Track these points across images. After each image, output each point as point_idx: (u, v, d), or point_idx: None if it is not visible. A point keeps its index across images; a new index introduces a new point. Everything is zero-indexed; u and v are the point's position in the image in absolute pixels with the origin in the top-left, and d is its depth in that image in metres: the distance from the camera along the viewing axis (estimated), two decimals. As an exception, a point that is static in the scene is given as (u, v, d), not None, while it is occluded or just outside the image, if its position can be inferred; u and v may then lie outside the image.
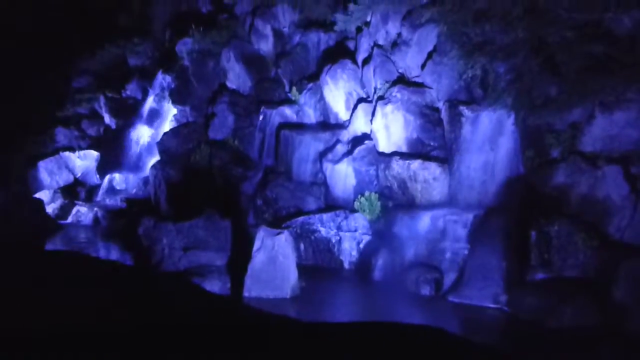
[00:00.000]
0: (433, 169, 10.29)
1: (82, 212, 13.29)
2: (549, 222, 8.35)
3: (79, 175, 14.60)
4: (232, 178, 12.44)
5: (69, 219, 13.32)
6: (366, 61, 12.26)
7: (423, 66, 11.30)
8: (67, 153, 14.55)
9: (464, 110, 10.24)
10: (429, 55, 11.15)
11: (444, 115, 10.74)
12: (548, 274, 8.23)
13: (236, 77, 14.06)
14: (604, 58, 8.53)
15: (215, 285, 8.74)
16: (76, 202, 13.77)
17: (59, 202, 13.73)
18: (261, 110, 13.08)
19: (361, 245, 10.28)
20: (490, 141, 9.88)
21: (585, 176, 8.68)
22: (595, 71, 8.58)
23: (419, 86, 11.29)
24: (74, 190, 14.29)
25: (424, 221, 9.84)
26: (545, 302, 7.75)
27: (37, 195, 13.54)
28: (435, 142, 10.70)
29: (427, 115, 10.88)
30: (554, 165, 9.09)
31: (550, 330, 7.41)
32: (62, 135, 15.07)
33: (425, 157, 10.53)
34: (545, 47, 9.22)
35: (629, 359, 6.66)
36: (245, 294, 8.52)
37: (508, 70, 9.57)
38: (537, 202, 8.96)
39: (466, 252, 9.18)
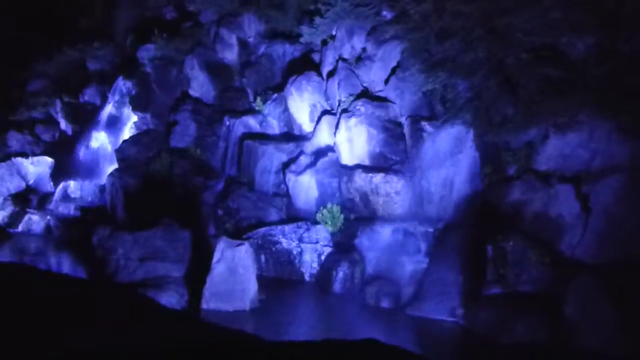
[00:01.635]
0: (395, 183, 10.41)
1: (34, 220, 12.76)
2: (505, 238, 8.56)
3: (31, 182, 14.04)
4: (192, 187, 12.23)
5: (20, 228, 12.76)
6: (331, 74, 12.36)
7: (387, 81, 11.48)
8: (19, 159, 13.98)
9: (425, 125, 10.45)
10: (393, 71, 11.35)
11: (406, 130, 10.92)
12: (503, 288, 8.41)
13: (199, 85, 13.90)
14: (558, 81, 8.87)
15: (172, 298, 8.53)
16: (27, 209, 13.21)
17: (9, 209, 13.14)
18: (224, 119, 12.96)
19: (322, 257, 10.26)
20: (450, 157, 10.09)
21: (539, 194, 8.97)
22: (550, 93, 8.91)
23: (382, 101, 11.45)
24: (26, 198, 13.71)
25: (385, 234, 9.94)
26: (499, 317, 7.91)
27: (-16, 202, 12.95)
28: (397, 156, 10.86)
29: (390, 130, 11.03)
30: (510, 182, 9.37)
31: (502, 345, 7.56)
32: (14, 140, 14.49)
33: (388, 170, 10.66)
34: (503, 67, 9.53)
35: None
36: (204, 306, 8.36)
37: (467, 88, 9.85)
38: (493, 218, 9.19)
39: (425, 265, 9.31)
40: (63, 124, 15.25)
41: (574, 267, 8.17)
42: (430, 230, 9.62)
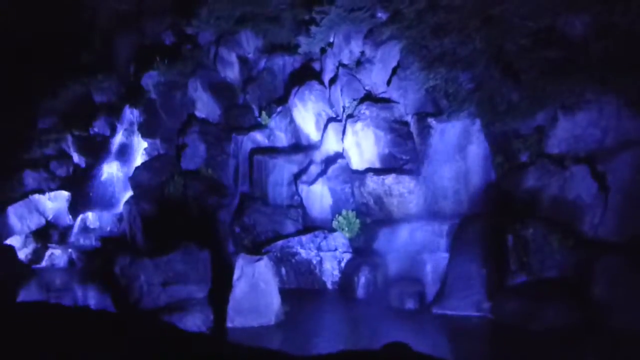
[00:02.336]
0: (407, 182, 10.37)
1: (56, 255, 12.93)
2: (524, 226, 8.48)
3: (50, 217, 14.25)
4: (207, 207, 12.31)
5: (43, 263, 12.94)
6: (333, 81, 12.39)
7: (389, 82, 11.47)
8: (36, 196, 14.20)
9: (432, 121, 10.41)
10: (394, 71, 11.33)
11: (413, 128, 10.88)
12: (528, 277, 8.33)
13: (205, 106, 14.03)
14: (561, 62, 8.79)
15: (197, 319, 8.57)
16: (49, 245, 13.40)
17: (31, 246, 13.34)
18: (232, 137, 13.04)
19: (342, 264, 10.24)
20: (459, 150, 10.04)
21: (554, 178, 8.88)
22: (554, 75, 8.83)
23: (386, 102, 11.43)
24: (47, 233, 13.90)
25: (403, 235, 9.89)
26: (527, 306, 7.82)
27: (7, 242, 13.15)
28: (407, 155, 10.81)
29: (397, 130, 11.01)
30: (523, 169, 9.29)
31: (534, 333, 7.46)
32: (30, 178, 14.72)
33: (399, 171, 10.61)
34: (503, 55, 9.47)
35: (611, 355, 6.74)
36: (229, 324, 8.38)
37: (469, 79, 9.80)
38: (511, 207, 9.11)
39: (446, 262, 9.23)
40: (76, 158, 15.48)
41: (598, 248, 8.06)
42: (448, 225, 9.55)
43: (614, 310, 7.28)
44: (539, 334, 7.46)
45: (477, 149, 9.93)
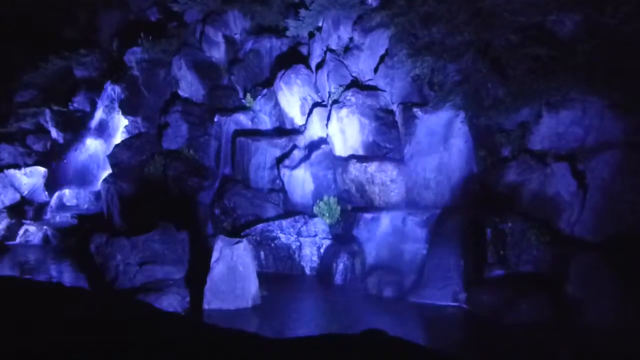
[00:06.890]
0: (390, 171, 10.37)
1: (31, 232, 12.69)
2: (503, 220, 8.55)
3: (25, 193, 13.95)
4: (188, 188, 12.17)
5: (17, 240, 12.70)
6: (319, 66, 12.28)
7: (376, 70, 11.41)
8: (12, 171, 13.89)
9: (417, 111, 10.40)
10: (381, 59, 11.28)
11: (398, 117, 10.87)
12: (504, 270, 8.42)
13: (188, 85, 13.80)
14: (548, 60, 8.81)
15: (173, 300, 8.49)
16: (24, 221, 13.14)
17: (5, 222, 13.07)
18: (215, 118, 12.88)
19: (321, 250, 10.23)
20: (443, 141, 10.06)
21: (535, 174, 8.95)
22: (540, 73, 8.86)
23: (372, 89, 11.39)
24: (21, 209, 13.64)
25: (383, 223, 9.91)
26: (502, 299, 7.91)
27: (-20, 217, 12.86)
28: (390, 144, 10.81)
29: (382, 118, 10.98)
30: (505, 163, 9.34)
31: (507, 326, 7.56)
32: (5, 152, 14.39)
33: (382, 159, 10.61)
34: (491, 49, 9.47)
35: (581, 352, 6.87)
36: (205, 306, 8.31)
37: (455, 71, 9.79)
38: (491, 200, 9.18)
39: (425, 252, 9.29)
40: (54, 133, 15.15)
41: (573, 245, 8.17)
42: (428, 216, 9.59)
43: (586, 306, 7.40)
44: (511, 326, 7.56)
45: (460, 141, 9.96)
